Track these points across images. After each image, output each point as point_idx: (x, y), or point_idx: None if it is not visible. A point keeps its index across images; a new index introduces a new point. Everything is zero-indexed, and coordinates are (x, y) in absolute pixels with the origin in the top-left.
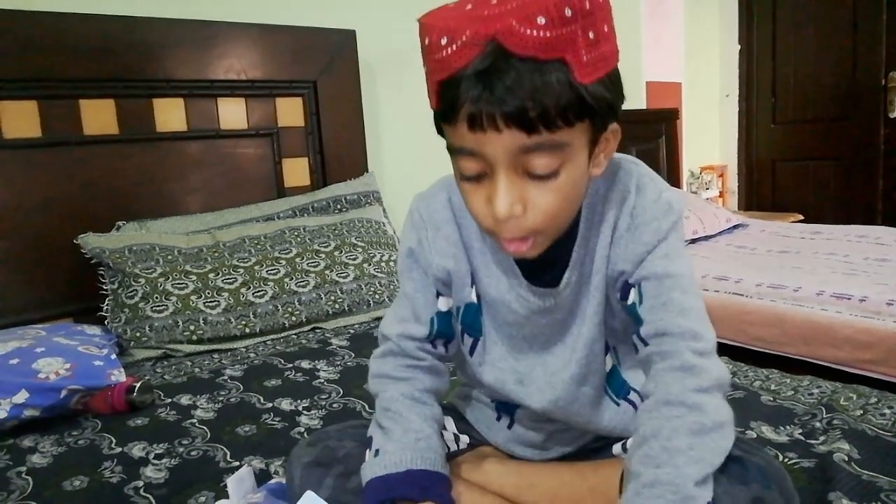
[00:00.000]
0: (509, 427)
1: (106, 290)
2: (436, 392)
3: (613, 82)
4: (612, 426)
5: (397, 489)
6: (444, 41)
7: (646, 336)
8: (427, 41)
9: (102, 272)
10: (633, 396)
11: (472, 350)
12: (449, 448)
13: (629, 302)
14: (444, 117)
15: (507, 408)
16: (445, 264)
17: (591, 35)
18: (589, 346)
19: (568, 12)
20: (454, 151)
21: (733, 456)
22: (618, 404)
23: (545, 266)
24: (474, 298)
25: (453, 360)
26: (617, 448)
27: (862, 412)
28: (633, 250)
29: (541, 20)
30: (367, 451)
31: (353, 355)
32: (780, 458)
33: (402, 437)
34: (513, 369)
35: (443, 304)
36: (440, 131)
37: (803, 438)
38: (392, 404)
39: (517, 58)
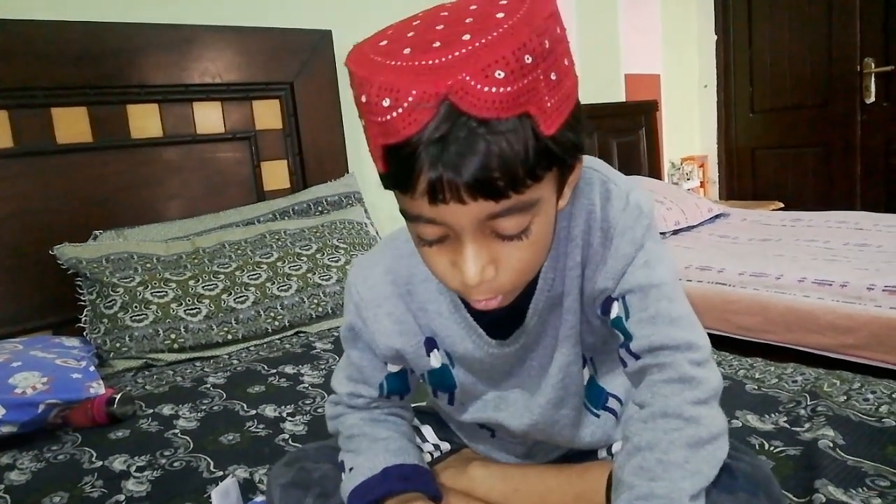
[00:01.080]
0: (492, 436)
1: (84, 300)
2: (399, 416)
3: (577, 119)
4: (594, 440)
5: (378, 488)
6: (386, 103)
7: (638, 351)
8: (364, 98)
9: (80, 283)
10: (611, 404)
11: (450, 401)
12: (432, 456)
13: (613, 316)
14: (398, 186)
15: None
16: (392, 343)
17: (552, 76)
18: (564, 370)
19: (528, 59)
20: (411, 219)
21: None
22: (597, 416)
23: (505, 317)
24: (436, 364)
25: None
26: (602, 452)
27: (846, 398)
28: (612, 266)
29: (499, 74)
30: (343, 473)
31: (337, 358)
32: (766, 446)
33: (371, 447)
34: (493, 397)
35: (393, 367)
36: (387, 188)
37: (788, 426)
38: (354, 430)
39: (475, 119)
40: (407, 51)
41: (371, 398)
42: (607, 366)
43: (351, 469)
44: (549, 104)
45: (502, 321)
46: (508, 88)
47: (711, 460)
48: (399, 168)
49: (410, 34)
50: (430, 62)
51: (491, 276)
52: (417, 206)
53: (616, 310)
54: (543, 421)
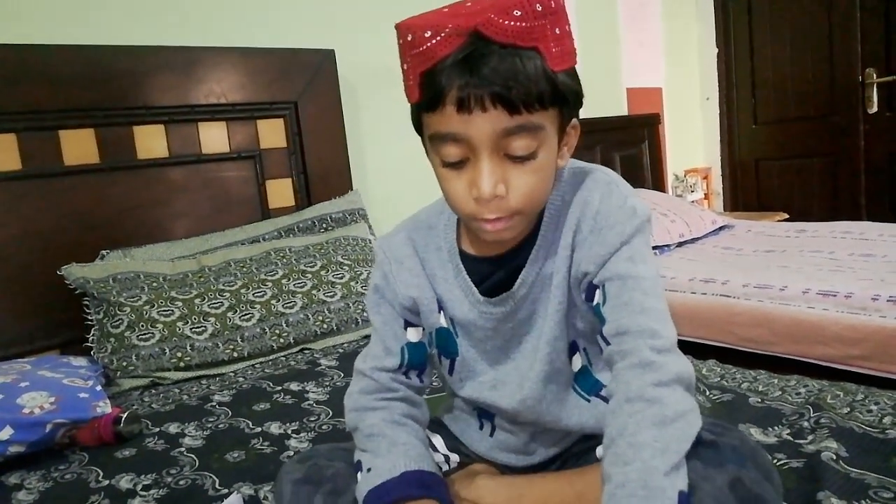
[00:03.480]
0: (491, 434)
1: (91, 320)
2: (415, 419)
3: (576, 77)
4: (583, 421)
5: (395, 491)
6: (427, 34)
7: (607, 335)
8: (410, 37)
9: (87, 302)
10: (605, 392)
11: (450, 370)
12: (441, 468)
13: (594, 303)
14: (430, 105)
15: (487, 415)
16: (410, 293)
17: (556, 31)
18: (551, 344)
19: (539, 7)
20: (438, 139)
21: (706, 440)
22: (588, 400)
23: (500, 283)
24: (444, 323)
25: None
26: (600, 451)
27: (849, 410)
28: (597, 252)
29: (516, 13)
30: (359, 473)
31: (342, 375)
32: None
33: (391, 450)
34: (490, 378)
35: (412, 335)
36: (417, 126)
37: (791, 439)
38: (374, 429)
39: (498, 44)
40: (445, 10)
41: (394, 369)
42: (601, 358)
43: (369, 470)
44: (554, 50)
45: (496, 291)
46: (524, 24)
47: (681, 437)
48: (432, 86)
49: (445, 10)
50: (464, 11)
51: (502, 193)
52: (446, 123)
53: (597, 297)
54: (532, 397)
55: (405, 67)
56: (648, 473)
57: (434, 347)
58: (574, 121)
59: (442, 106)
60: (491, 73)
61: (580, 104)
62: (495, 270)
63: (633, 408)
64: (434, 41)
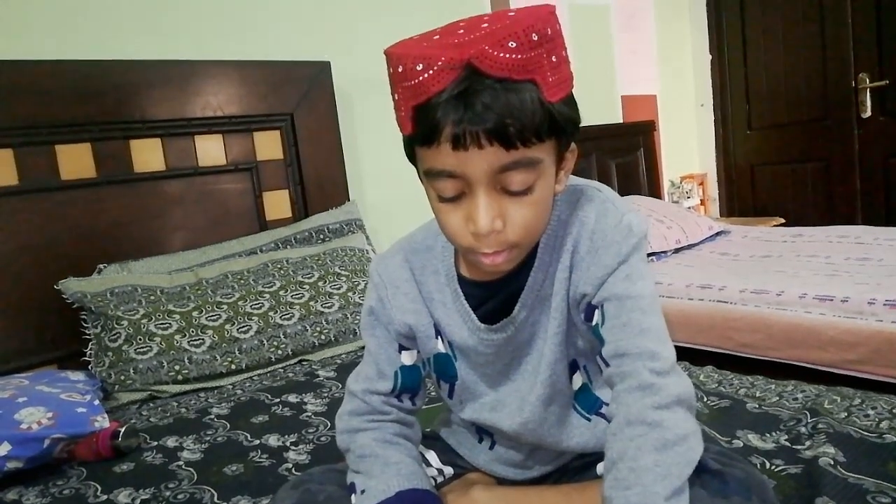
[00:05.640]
0: (491, 448)
1: (89, 334)
2: (407, 438)
3: (573, 103)
4: (584, 441)
5: None
6: (419, 67)
7: (607, 356)
8: (400, 68)
9: (85, 316)
10: (605, 410)
11: (450, 393)
12: (435, 480)
13: (593, 323)
14: (425, 140)
15: (487, 430)
16: (406, 319)
17: (553, 59)
18: (552, 367)
19: (535, 37)
20: (433, 175)
21: (713, 470)
22: (589, 419)
23: (499, 307)
24: (442, 348)
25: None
26: (601, 468)
27: (846, 414)
28: (594, 273)
29: (512, 44)
30: (353, 495)
31: (340, 386)
32: (767, 465)
33: (385, 470)
34: (491, 400)
35: (406, 359)
36: (410, 156)
37: (789, 444)
38: (366, 450)
39: (492, 79)
40: (437, 37)
41: (386, 393)
42: (601, 375)
43: (363, 491)
44: (550, 79)
45: (495, 316)
46: (519, 56)
47: (682, 461)
48: (426, 122)
49: (437, 37)
50: (457, 41)
51: (499, 228)
52: (441, 159)
53: (596, 317)
54: (533, 420)
55: (396, 97)
56: (649, 498)
57: (432, 371)
58: (572, 145)
59: (437, 143)
60: (485, 110)
61: (578, 131)
62: (493, 295)
63: (634, 431)
64: (426, 75)
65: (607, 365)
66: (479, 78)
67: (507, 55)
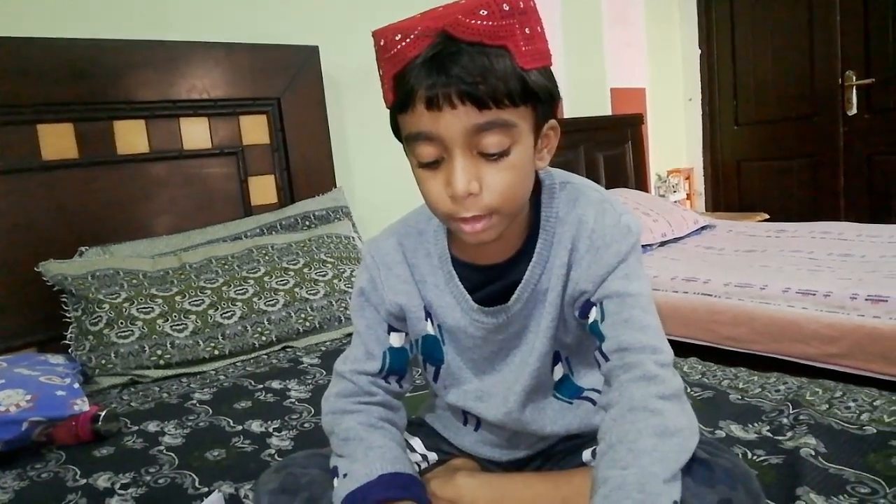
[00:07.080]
0: (476, 430)
1: (69, 317)
2: (392, 423)
3: (550, 77)
4: (567, 423)
5: (372, 494)
6: (398, 37)
7: (607, 351)
8: (382, 42)
9: (65, 299)
10: (587, 394)
11: (435, 377)
12: (419, 466)
13: (590, 320)
14: (402, 106)
15: (472, 413)
16: (398, 300)
17: (527, 31)
18: (541, 359)
19: (506, 7)
20: (411, 139)
21: (700, 458)
22: (570, 403)
23: (495, 294)
24: (431, 330)
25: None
26: (587, 455)
27: (828, 406)
28: (595, 271)
29: (483, 12)
30: (335, 479)
31: (325, 373)
32: (749, 455)
33: (367, 454)
34: (476, 388)
35: (395, 340)
36: (395, 129)
37: (771, 435)
38: (350, 433)
39: (465, 43)
40: (418, 15)
41: (374, 373)
42: (583, 366)
43: (345, 475)
44: (524, 48)
45: (490, 304)
46: (491, 23)
47: (680, 448)
48: (403, 87)
49: (418, 16)
50: (433, 14)
51: (476, 190)
52: (417, 122)
53: (594, 314)
54: (517, 409)
55: (381, 73)
56: (647, 478)
57: (420, 353)
58: (552, 121)
59: (413, 106)
60: (459, 71)
61: (555, 103)
62: (487, 280)
63: (636, 416)
64: (404, 43)
65: (607, 360)
66: (453, 43)
67: (479, 21)
